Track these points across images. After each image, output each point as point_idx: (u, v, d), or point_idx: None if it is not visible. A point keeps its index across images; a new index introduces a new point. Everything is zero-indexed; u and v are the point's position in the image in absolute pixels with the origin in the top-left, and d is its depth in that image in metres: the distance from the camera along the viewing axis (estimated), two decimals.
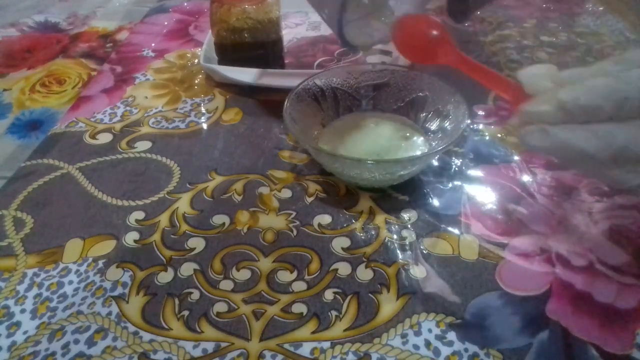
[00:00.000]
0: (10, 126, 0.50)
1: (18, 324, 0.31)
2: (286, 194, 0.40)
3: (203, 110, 0.50)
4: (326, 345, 0.29)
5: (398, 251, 0.35)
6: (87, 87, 0.55)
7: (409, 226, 0.37)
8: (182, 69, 0.57)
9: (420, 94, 0.43)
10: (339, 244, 0.35)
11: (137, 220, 0.38)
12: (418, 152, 0.40)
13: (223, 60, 0.54)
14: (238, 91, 0.52)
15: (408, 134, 0.42)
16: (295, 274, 0.34)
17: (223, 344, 0.30)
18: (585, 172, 0.32)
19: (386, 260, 0.34)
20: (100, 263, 0.35)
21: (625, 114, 0.24)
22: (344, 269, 0.34)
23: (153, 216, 0.38)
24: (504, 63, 0.56)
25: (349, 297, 0.32)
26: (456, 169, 0.42)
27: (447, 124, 0.40)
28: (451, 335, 0.30)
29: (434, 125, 0.41)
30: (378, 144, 0.41)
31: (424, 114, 0.43)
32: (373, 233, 0.36)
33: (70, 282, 0.33)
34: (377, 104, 0.45)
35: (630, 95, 0.24)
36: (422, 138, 0.42)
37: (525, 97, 0.28)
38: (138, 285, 0.33)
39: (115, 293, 0.33)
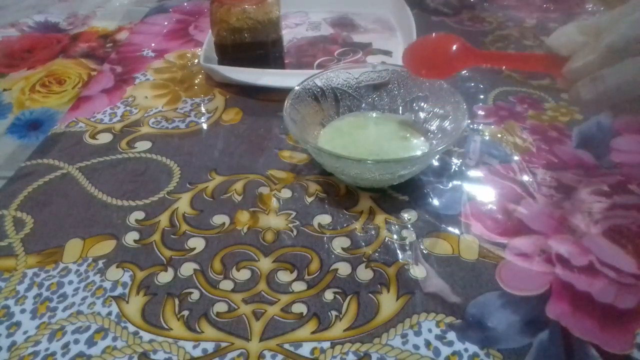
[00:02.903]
0: (10, 126, 0.50)
1: (18, 324, 0.31)
2: (286, 194, 0.40)
3: (203, 110, 0.50)
4: (326, 345, 0.29)
5: (398, 251, 0.35)
6: (87, 87, 0.55)
7: (409, 226, 0.37)
8: (182, 69, 0.57)
9: (420, 94, 0.43)
10: (339, 244, 0.35)
11: (137, 220, 0.38)
12: (418, 152, 0.40)
13: (223, 60, 0.54)
14: (238, 91, 0.52)
15: (408, 134, 0.42)
16: (295, 274, 0.34)
17: (223, 344, 0.30)
18: None
19: (386, 260, 0.34)
20: (100, 263, 0.35)
21: None
22: (344, 269, 0.34)
23: (153, 216, 0.38)
24: None
25: (349, 297, 0.32)
26: (456, 169, 0.42)
27: (447, 124, 0.40)
28: (451, 335, 0.30)
29: (434, 125, 0.41)
30: (378, 144, 0.41)
31: (424, 114, 0.43)
32: (373, 233, 0.36)
33: (70, 282, 0.33)
34: (377, 104, 0.45)
35: None
36: (422, 138, 0.42)
37: (563, 60, 0.28)
38: (138, 285, 0.33)
39: (115, 293, 0.33)
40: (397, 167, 0.37)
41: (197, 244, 0.36)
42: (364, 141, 0.41)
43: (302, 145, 0.44)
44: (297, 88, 0.42)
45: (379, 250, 0.35)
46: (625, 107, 0.29)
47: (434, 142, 0.41)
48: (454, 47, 0.36)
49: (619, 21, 0.25)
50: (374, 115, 0.45)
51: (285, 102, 0.40)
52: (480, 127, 0.46)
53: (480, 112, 0.48)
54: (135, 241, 0.36)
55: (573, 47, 0.28)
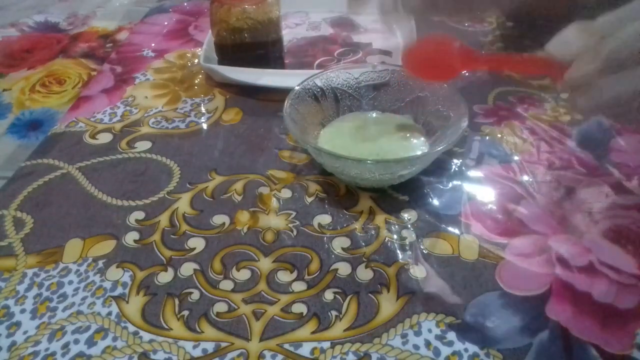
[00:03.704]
0: (10, 126, 0.50)
1: (18, 324, 0.31)
2: (286, 194, 0.40)
3: (203, 110, 0.50)
4: (326, 345, 0.29)
5: (398, 251, 0.35)
6: (87, 87, 0.55)
7: (409, 226, 0.37)
8: (182, 69, 0.57)
9: (420, 94, 0.43)
10: (339, 244, 0.35)
11: (137, 220, 0.38)
12: (418, 152, 0.40)
13: (223, 60, 0.54)
14: (238, 91, 0.52)
15: (408, 134, 0.42)
16: (295, 274, 0.34)
17: (223, 344, 0.30)
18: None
19: (386, 260, 0.34)
20: (100, 263, 0.35)
21: None
22: (344, 269, 0.34)
23: (153, 216, 0.38)
24: None
25: (349, 297, 0.32)
26: (456, 169, 0.42)
27: (447, 124, 0.40)
28: (451, 335, 0.30)
29: (434, 125, 0.41)
30: (378, 144, 0.41)
31: (424, 114, 0.43)
32: (373, 233, 0.36)
33: (70, 282, 0.33)
34: (377, 104, 0.45)
35: None
36: (422, 138, 0.42)
37: (564, 67, 0.27)
38: (138, 285, 0.33)
39: (115, 293, 0.33)
40: (397, 167, 0.37)
41: (197, 244, 0.36)
42: (363, 141, 0.41)
43: (302, 145, 0.44)
44: (297, 88, 0.42)
45: (379, 250, 0.35)
46: (625, 117, 0.28)
47: (434, 142, 0.41)
48: (455, 50, 0.35)
49: (622, 27, 0.24)
50: (374, 115, 0.45)
51: (285, 102, 0.40)
52: (480, 127, 0.46)
53: (480, 112, 0.48)
54: (135, 241, 0.36)
55: (574, 53, 0.27)
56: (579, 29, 0.27)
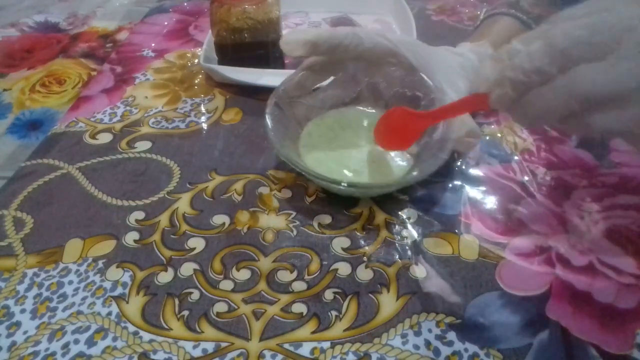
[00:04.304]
0: (10, 126, 0.50)
1: (18, 324, 0.31)
2: (286, 194, 0.40)
3: (203, 110, 0.50)
4: (326, 345, 0.29)
5: (398, 251, 0.35)
6: (87, 87, 0.55)
7: (409, 226, 0.37)
8: (182, 69, 0.57)
9: (419, 93, 0.42)
10: (339, 244, 0.35)
11: (137, 220, 0.38)
12: (401, 167, 0.39)
13: (223, 60, 0.54)
14: (238, 91, 0.52)
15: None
16: (295, 274, 0.34)
17: (223, 344, 0.30)
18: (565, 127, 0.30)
19: (386, 260, 0.34)
20: (100, 263, 0.35)
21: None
22: (344, 269, 0.34)
23: (153, 216, 0.38)
24: None
25: (349, 297, 0.32)
26: (456, 169, 0.42)
27: (436, 134, 0.38)
28: (451, 335, 0.30)
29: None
30: (357, 158, 0.40)
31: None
32: (373, 233, 0.36)
33: (70, 282, 0.33)
34: (362, 100, 0.44)
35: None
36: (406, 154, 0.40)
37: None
38: (138, 285, 0.33)
39: (115, 293, 0.33)
40: (371, 189, 0.37)
41: (197, 244, 0.36)
42: (341, 153, 0.40)
43: (280, 156, 0.43)
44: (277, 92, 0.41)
45: (379, 250, 0.35)
46: (565, 127, 0.28)
47: (428, 147, 0.39)
48: (409, 118, 0.36)
49: (520, 51, 0.26)
50: (361, 112, 0.44)
51: (266, 115, 0.39)
52: (480, 127, 0.46)
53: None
54: (135, 241, 0.36)
55: (488, 83, 0.28)
56: (490, 60, 0.28)
